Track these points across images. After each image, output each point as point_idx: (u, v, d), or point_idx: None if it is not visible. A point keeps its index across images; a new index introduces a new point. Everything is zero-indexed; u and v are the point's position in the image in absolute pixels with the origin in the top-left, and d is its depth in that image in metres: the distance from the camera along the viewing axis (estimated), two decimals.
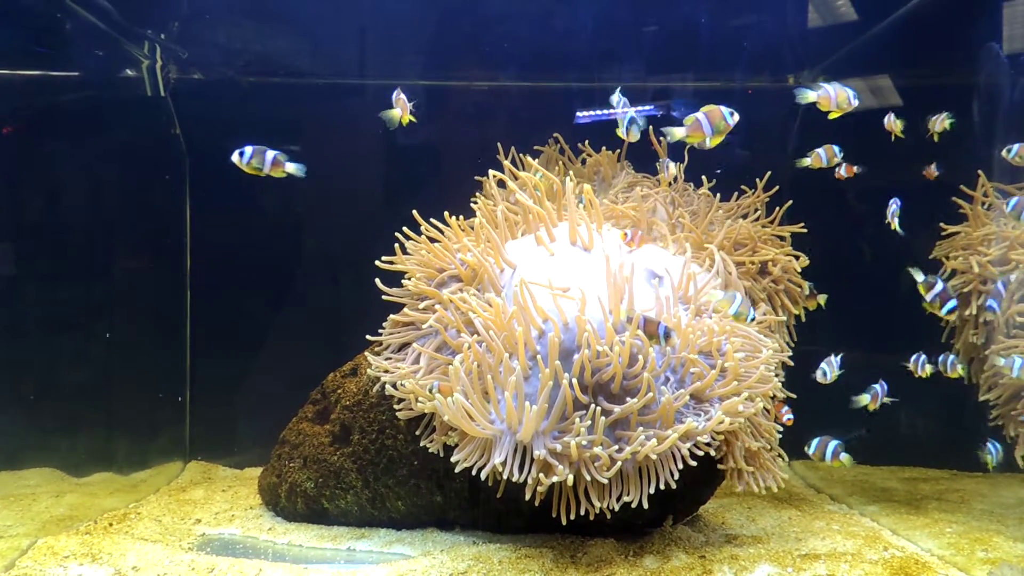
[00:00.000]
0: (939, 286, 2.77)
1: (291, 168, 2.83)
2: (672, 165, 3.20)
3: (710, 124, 2.57)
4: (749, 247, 3.19)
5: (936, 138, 3.13)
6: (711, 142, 2.59)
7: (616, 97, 2.97)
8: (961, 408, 3.28)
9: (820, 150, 3.10)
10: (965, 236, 3.27)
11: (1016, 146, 2.83)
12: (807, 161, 3.12)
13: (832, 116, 2.73)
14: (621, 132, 2.84)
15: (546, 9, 3.77)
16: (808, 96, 2.71)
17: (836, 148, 3.11)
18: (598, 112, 3.87)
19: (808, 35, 3.79)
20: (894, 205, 3.10)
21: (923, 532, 2.86)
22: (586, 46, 3.89)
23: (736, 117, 2.58)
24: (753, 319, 2.57)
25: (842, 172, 3.25)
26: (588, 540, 2.55)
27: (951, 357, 3.00)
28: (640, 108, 4.05)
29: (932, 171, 3.30)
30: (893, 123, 3.13)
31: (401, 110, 2.96)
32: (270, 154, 2.78)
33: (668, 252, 2.95)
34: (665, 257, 2.88)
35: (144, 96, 3.82)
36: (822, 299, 3.19)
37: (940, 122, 3.11)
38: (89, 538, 2.66)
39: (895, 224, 3.10)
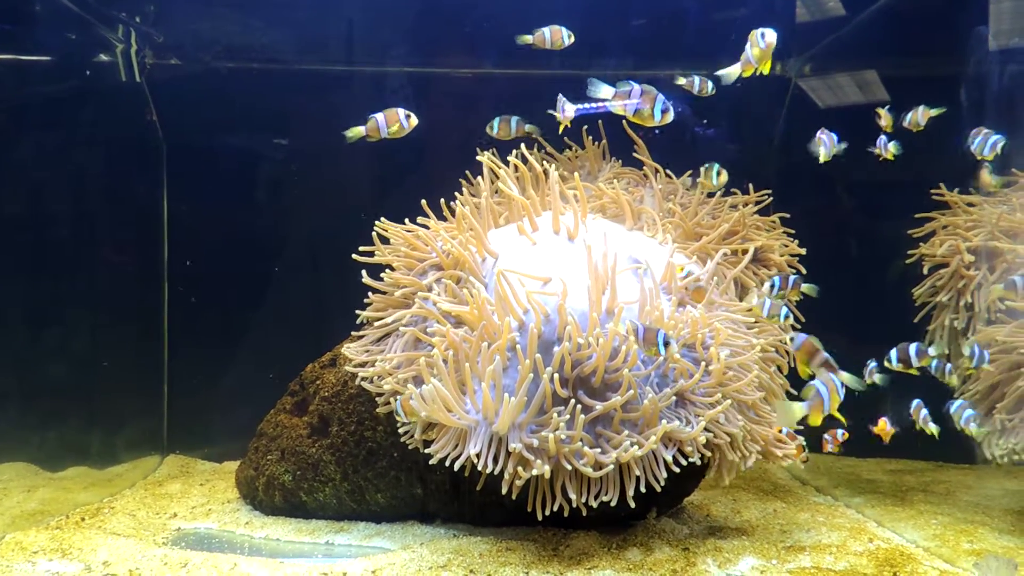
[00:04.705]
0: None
1: None
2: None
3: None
4: (740, 234, 3.16)
5: (918, 129, 3.08)
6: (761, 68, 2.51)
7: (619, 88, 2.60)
8: (947, 400, 3.26)
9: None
10: (949, 223, 3.26)
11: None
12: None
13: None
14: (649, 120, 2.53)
15: None
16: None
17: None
18: (586, 106, 3.82)
19: (795, 23, 3.75)
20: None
21: (908, 524, 2.84)
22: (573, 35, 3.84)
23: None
24: (786, 317, 2.56)
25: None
26: (571, 533, 2.51)
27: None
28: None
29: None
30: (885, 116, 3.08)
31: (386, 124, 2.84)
32: None
33: (655, 241, 2.91)
34: (651, 247, 2.84)
35: (119, 82, 3.73)
36: (808, 288, 3.07)
37: (922, 114, 3.06)
38: (60, 533, 2.60)
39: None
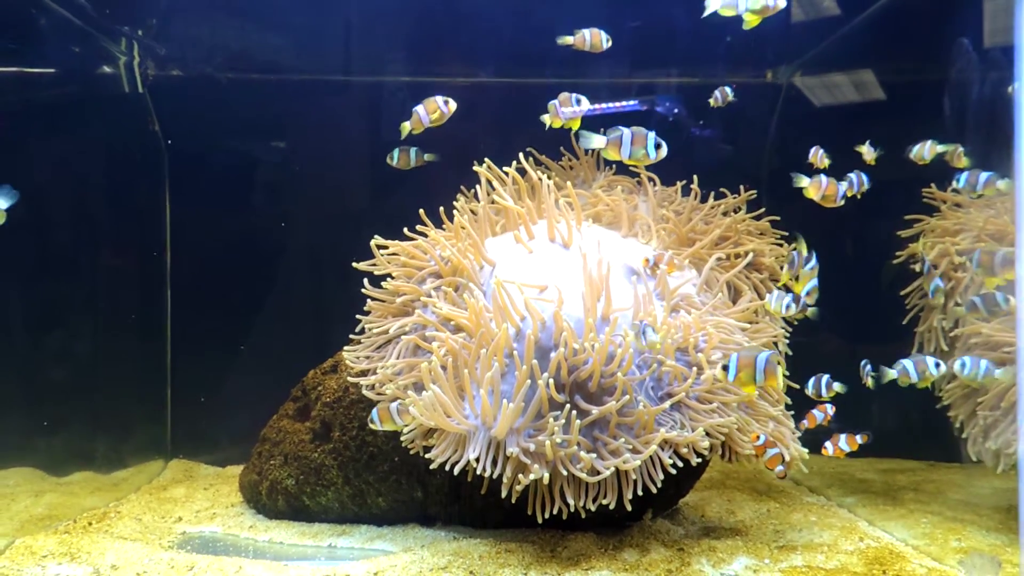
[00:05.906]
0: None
1: None
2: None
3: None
4: (732, 239, 3.22)
5: (924, 163, 3.09)
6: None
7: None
8: (938, 399, 3.32)
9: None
10: (938, 225, 3.31)
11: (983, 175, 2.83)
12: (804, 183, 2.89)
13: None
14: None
15: (526, 5, 3.77)
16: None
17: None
18: (591, 107, 3.86)
19: (788, 30, 3.80)
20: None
21: (899, 523, 2.90)
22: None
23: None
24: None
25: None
26: (568, 534, 2.57)
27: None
28: (624, 104, 4.05)
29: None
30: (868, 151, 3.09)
31: (427, 116, 2.89)
32: None
33: (649, 248, 2.96)
34: (645, 253, 2.89)
35: (122, 92, 3.78)
36: (811, 313, 3.02)
37: (928, 148, 3.05)
38: (68, 537, 2.65)
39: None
